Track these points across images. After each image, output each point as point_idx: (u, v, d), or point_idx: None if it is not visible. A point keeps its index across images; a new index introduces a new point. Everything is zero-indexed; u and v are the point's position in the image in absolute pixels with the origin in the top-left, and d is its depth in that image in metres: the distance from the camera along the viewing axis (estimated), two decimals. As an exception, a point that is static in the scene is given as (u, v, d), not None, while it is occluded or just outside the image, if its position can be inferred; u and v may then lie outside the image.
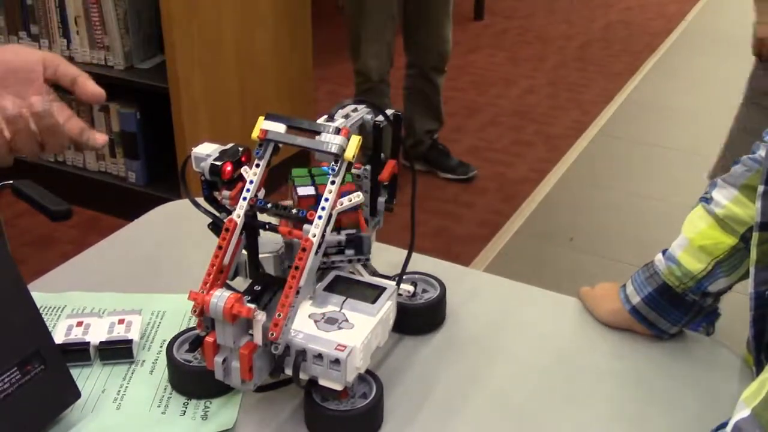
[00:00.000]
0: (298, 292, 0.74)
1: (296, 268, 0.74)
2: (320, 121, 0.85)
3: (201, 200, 0.86)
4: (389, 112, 0.91)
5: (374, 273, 0.95)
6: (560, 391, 0.87)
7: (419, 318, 0.94)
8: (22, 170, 1.04)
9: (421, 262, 1.05)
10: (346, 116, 0.88)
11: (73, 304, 0.99)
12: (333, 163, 0.78)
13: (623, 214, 2.73)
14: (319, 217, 0.76)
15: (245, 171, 0.82)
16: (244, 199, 0.80)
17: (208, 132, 2.58)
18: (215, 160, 0.85)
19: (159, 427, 0.81)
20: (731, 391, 0.87)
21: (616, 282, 0.98)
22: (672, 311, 0.92)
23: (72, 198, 2.86)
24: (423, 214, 2.81)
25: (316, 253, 0.76)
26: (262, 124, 0.81)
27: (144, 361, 0.90)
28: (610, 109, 3.80)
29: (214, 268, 0.76)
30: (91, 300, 1.00)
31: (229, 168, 0.85)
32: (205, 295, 0.72)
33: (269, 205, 0.79)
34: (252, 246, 0.82)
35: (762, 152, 0.85)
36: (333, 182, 0.77)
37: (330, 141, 0.78)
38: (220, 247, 0.77)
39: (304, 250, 0.74)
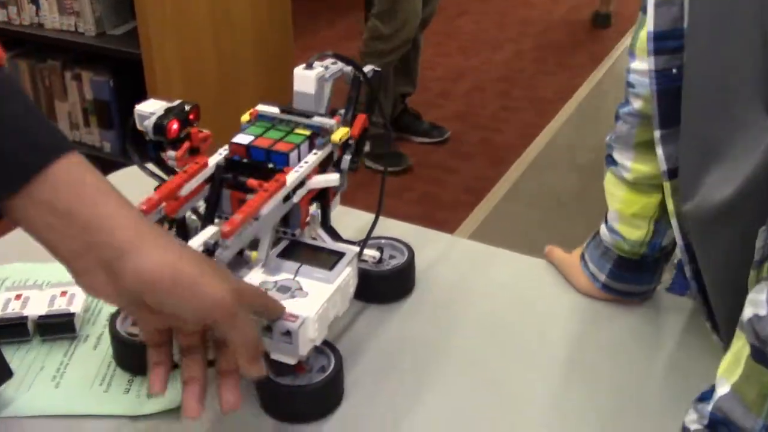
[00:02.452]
0: (256, 218, 0.68)
1: (265, 189, 0.69)
2: (298, 69, 0.81)
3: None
4: (368, 68, 0.85)
5: (338, 239, 0.88)
6: (536, 360, 0.81)
7: (385, 285, 0.88)
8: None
9: (389, 227, 0.98)
10: (326, 67, 0.83)
11: (15, 276, 0.92)
12: (320, 137, 0.76)
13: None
14: (296, 171, 0.70)
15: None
16: (220, 154, 0.74)
17: (182, 97, 2.50)
18: (160, 117, 0.78)
19: (100, 405, 0.75)
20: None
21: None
22: (640, 277, 0.86)
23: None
24: (407, 180, 2.75)
25: (285, 200, 0.70)
26: (257, 106, 0.83)
27: (88, 336, 0.84)
28: (599, 72, 3.72)
29: (164, 192, 0.69)
30: (34, 272, 0.93)
31: (175, 126, 0.78)
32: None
33: (245, 161, 0.73)
34: (212, 200, 0.75)
35: (636, 104, 0.78)
36: (316, 153, 0.72)
37: (322, 121, 0.79)
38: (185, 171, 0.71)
39: (276, 180, 0.69)
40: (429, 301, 0.89)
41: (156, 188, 0.71)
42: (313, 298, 0.71)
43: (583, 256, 0.89)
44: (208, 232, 0.69)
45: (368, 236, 0.85)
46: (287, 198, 0.73)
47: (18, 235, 1.06)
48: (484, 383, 0.78)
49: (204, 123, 0.82)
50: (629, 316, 0.87)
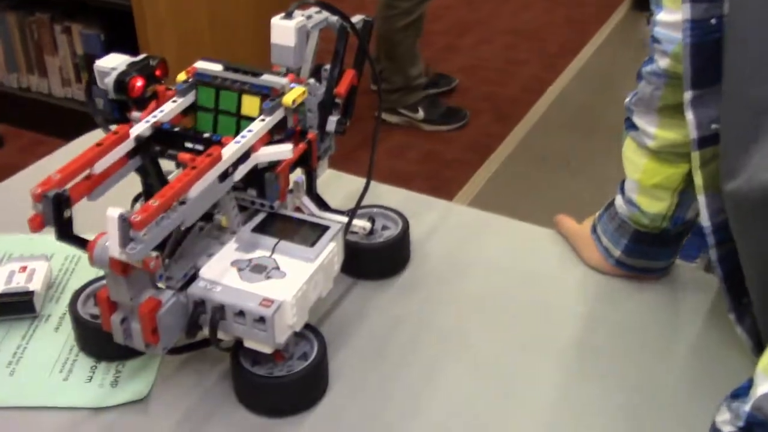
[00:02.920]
0: (181, 203, 0.58)
1: (193, 167, 0.59)
2: (275, 18, 0.72)
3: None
4: (357, 18, 0.76)
5: (325, 208, 0.80)
6: (542, 344, 0.73)
7: (376, 259, 0.80)
8: None
9: (383, 194, 0.90)
10: (308, 17, 0.73)
11: (-26, 248, 0.85)
12: (269, 100, 0.64)
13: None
14: (236, 143, 0.61)
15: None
16: (147, 122, 0.64)
17: (176, 53, 2.40)
18: (121, 74, 0.70)
19: (57, 396, 0.67)
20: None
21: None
22: (658, 252, 0.78)
23: (39, 126, 2.70)
24: (409, 137, 2.65)
25: (222, 179, 0.61)
26: (196, 64, 0.72)
27: (49, 315, 0.76)
28: (609, 25, 3.59)
29: (67, 172, 0.59)
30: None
31: (138, 83, 0.70)
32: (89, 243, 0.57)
33: (176, 129, 0.64)
34: (150, 173, 0.66)
35: (662, 62, 0.68)
36: (263, 120, 0.63)
37: (271, 80, 0.69)
38: (99, 144, 0.62)
39: (209, 155, 0.59)
40: (425, 276, 0.81)
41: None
42: (291, 279, 0.63)
43: (594, 229, 0.81)
44: (113, 221, 0.54)
45: (357, 205, 0.77)
46: (225, 176, 0.62)
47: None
48: (484, 370, 0.71)
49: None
50: (645, 293, 0.79)
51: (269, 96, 0.68)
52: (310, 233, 0.68)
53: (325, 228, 0.69)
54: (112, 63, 0.71)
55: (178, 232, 0.61)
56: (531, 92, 2.98)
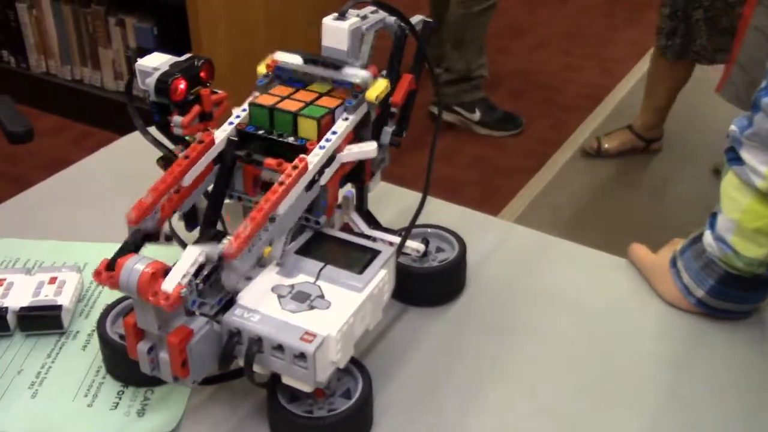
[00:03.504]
0: (272, 220, 0.54)
1: (281, 183, 0.54)
2: (327, 19, 0.66)
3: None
4: (416, 18, 0.69)
5: (376, 226, 0.74)
6: (613, 388, 0.66)
7: (430, 285, 0.73)
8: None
9: (437, 210, 0.83)
10: (363, 17, 0.67)
11: (4, 254, 0.80)
12: (351, 97, 0.60)
13: (686, 142, 2.46)
14: (321, 147, 0.55)
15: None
16: (231, 123, 0.60)
17: (228, 49, 2.36)
18: (164, 74, 0.64)
19: (80, 424, 0.62)
20: None
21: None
22: (749, 296, 0.70)
23: (91, 118, 2.69)
24: (461, 143, 2.57)
25: (309, 188, 0.56)
26: (275, 55, 0.68)
27: (78, 332, 0.71)
28: (674, 30, 3.45)
29: (171, 175, 0.56)
30: (26, 249, 0.81)
31: (181, 86, 0.64)
32: (105, 268, 0.51)
33: (261, 132, 0.59)
34: (220, 185, 0.61)
35: None
36: (346, 119, 0.57)
37: (353, 73, 0.63)
38: (186, 156, 0.57)
39: (295, 167, 0.54)
40: (482, 305, 0.74)
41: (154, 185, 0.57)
42: (336, 310, 0.57)
43: (674, 263, 0.73)
44: (203, 250, 0.53)
45: (411, 225, 0.70)
46: (312, 183, 0.59)
47: (14, 204, 0.95)
48: (545, 415, 0.63)
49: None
50: (729, 334, 0.71)
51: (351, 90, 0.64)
52: (359, 258, 0.62)
53: (376, 252, 0.62)
54: (155, 62, 0.65)
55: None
56: (589, 99, 2.88)
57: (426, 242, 0.74)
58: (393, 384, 0.66)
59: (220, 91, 0.66)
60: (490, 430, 0.62)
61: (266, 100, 0.63)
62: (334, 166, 0.61)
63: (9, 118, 1.01)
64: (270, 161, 0.58)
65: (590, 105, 2.83)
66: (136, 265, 0.51)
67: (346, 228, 0.74)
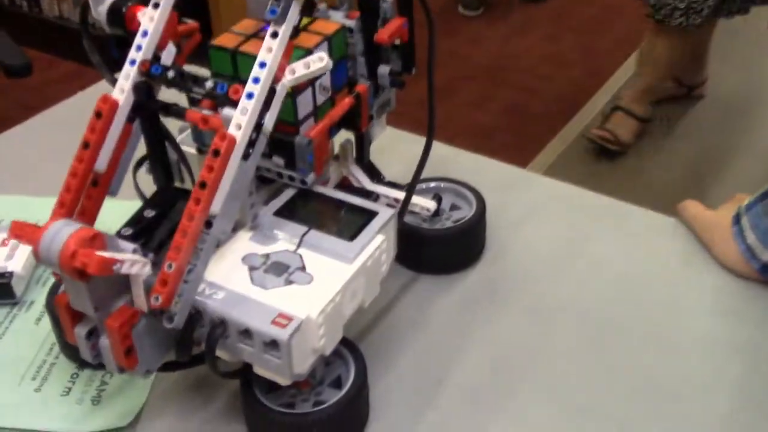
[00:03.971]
0: (208, 225, 0.43)
1: (202, 184, 0.42)
2: None
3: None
4: None
5: (379, 180, 0.63)
6: (661, 376, 0.55)
7: (442, 250, 0.62)
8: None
9: (455, 162, 0.72)
10: None
11: (-41, 211, 0.71)
12: (273, 1, 0.44)
13: (728, 92, 2.29)
14: (249, 96, 0.43)
15: (141, 15, 0.49)
16: (132, 62, 0.47)
17: None
18: (117, 1, 0.53)
19: (21, 413, 0.53)
20: None
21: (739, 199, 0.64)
22: None
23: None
24: (492, 88, 2.43)
25: (246, 157, 0.44)
26: None
27: (32, 303, 0.62)
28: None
29: (75, 178, 0.45)
30: (-16, 206, 0.71)
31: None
32: (35, 228, 0.41)
33: (171, 74, 0.46)
34: (153, 139, 0.50)
35: None
36: (275, 35, 0.44)
37: None
38: (86, 144, 0.45)
39: (216, 153, 0.42)
40: (503, 274, 0.63)
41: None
42: (320, 286, 0.46)
43: (737, 220, 0.61)
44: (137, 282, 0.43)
45: (416, 178, 0.59)
46: (251, 146, 0.44)
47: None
48: (575, 410, 0.52)
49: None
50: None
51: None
52: (351, 221, 0.51)
53: (372, 214, 0.51)
54: (109, -14, 0.54)
55: (171, 220, 0.45)
56: (628, 43, 2.71)
57: (438, 199, 0.63)
58: (394, 371, 0.55)
59: (190, 21, 0.55)
60: (508, 429, 0.51)
61: (228, 40, 0.51)
62: (278, 101, 0.45)
63: (6, 52, 0.94)
64: (193, 115, 0.46)
65: (628, 50, 2.66)
66: (62, 230, 0.40)
67: (345, 183, 0.63)
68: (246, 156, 0.44)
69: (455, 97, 2.26)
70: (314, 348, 0.45)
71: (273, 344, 0.44)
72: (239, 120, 0.43)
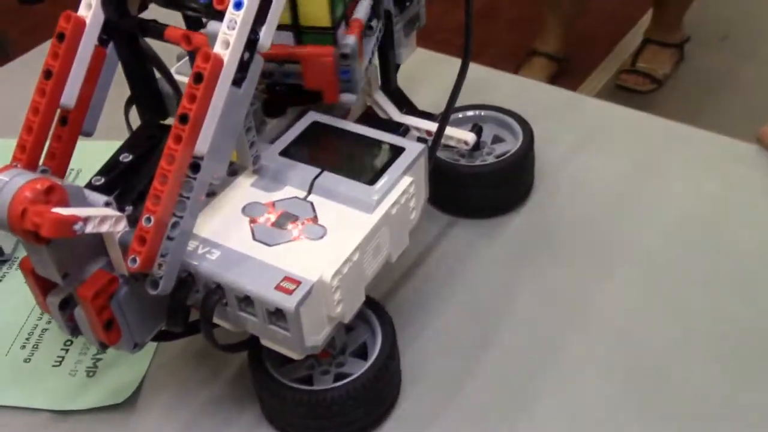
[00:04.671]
0: (195, 169, 0.35)
1: (182, 118, 0.34)
2: None
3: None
4: None
5: (409, 109, 0.54)
6: (738, 332, 0.46)
7: (482, 191, 0.54)
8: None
9: (498, 86, 0.63)
10: None
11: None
12: None
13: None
14: (237, 5, 0.35)
15: None
16: None
17: None
18: None
19: (9, 388, 0.47)
20: None
21: None
22: None
23: None
24: (537, 6, 2.29)
25: (237, 83, 0.36)
26: None
27: (23, 260, 0.55)
28: None
29: (37, 114, 0.37)
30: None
31: None
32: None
33: None
34: (132, 66, 0.41)
35: None
36: None
37: None
38: (48, 73, 0.37)
39: (199, 79, 0.34)
40: (555, 217, 0.54)
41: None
42: (335, 240, 0.38)
43: None
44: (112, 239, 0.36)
45: (450, 105, 0.50)
46: (243, 68, 0.36)
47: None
48: (645, 375, 0.44)
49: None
50: None
51: None
52: (372, 159, 0.42)
53: (398, 151, 0.43)
54: None
55: (154, 165, 0.37)
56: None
57: (478, 130, 0.54)
58: (428, 334, 0.47)
59: None
60: (558, 403, 0.44)
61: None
62: (279, 5, 0.36)
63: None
64: (173, 32, 0.37)
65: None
66: (13, 179, 0.32)
67: (369, 113, 0.54)
68: (237, 82, 0.35)
69: (498, 17, 2.12)
70: (330, 315, 0.38)
71: (278, 313, 0.36)
72: (226, 36, 0.34)
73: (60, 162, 0.38)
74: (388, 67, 0.53)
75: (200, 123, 0.34)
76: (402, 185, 0.41)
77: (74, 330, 0.39)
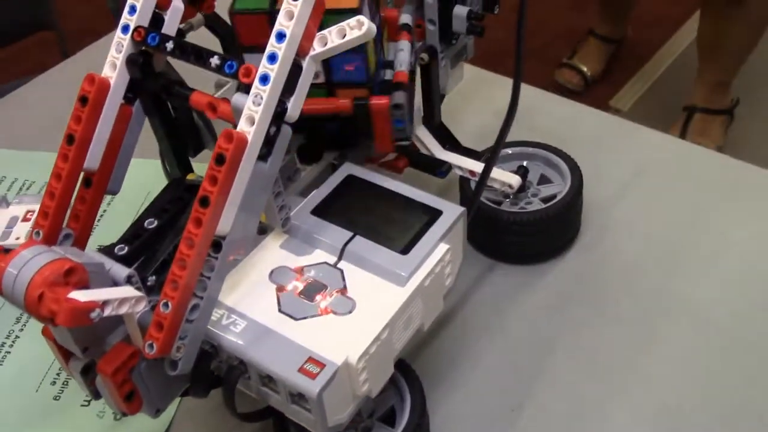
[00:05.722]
0: (217, 248, 0.34)
1: (203, 201, 0.32)
2: None
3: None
4: None
5: (454, 146, 0.52)
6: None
7: (525, 237, 0.51)
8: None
9: (542, 111, 0.60)
10: None
11: (-12, 171, 0.64)
12: None
13: None
14: (264, 79, 0.33)
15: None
16: (125, 29, 0.37)
17: None
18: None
19: (38, 425, 0.47)
20: None
21: None
22: None
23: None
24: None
25: (264, 158, 0.34)
26: None
27: (57, 287, 0.55)
28: None
29: (60, 181, 0.36)
30: (17, 164, 0.64)
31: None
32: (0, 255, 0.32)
33: (169, 46, 0.36)
34: (162, 123, 0.40)
35: None
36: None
37: None
38: (70, 138, 0.36)
39: (221, 160, 0.32)
40: (602, 265, 0.52)
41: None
42: (363, 316, 0.37)
43: None
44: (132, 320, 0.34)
45: (497, 149, 0.47)
46: (269, 143, 0.34)
47: (12, 101, 0.77)
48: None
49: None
50: None
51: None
52: (407, 223, 0.40)
53: (435, 214, 0.40)
54: None
55: (180, 231, 0.36)
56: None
57: (524, 173, 0.51)
58: (459, 393, 0.45)
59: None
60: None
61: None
62: (308, 77, 0.34)
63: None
64: (199, 98, 0.35)
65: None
66: (33, 259, 0.32)
67: (412, 149, 0.52)
68: (263, 156, 0.34)
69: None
70: (355, 395, 0.36)
71: (301, 395, 0.35)
72: (251, 112, 0.33)
73: (84, 224, 0.37)
74: (432, 101, 0.51)
75: (222, 206, 0.32)
76: (437, 254, 0.39)
77: (96, 394, 0.38)
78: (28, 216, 0.56)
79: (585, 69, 1.64)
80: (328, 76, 0.41)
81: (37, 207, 0.56)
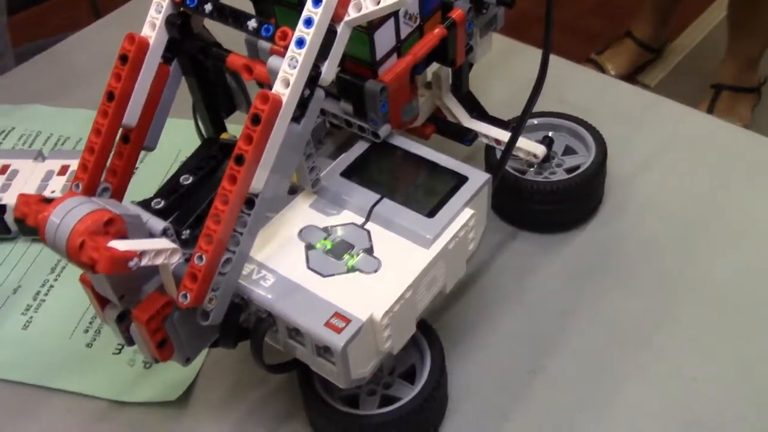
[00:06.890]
0: (250, 204, 0.35)
1: (238, 159, 0.33)
2: None
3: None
4: None
5: (481, 115, 0.53)
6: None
7: (548, 206, 0.52)
8: None
9: (569, 83, 0.60)
10: None
11: (26, 124, 0.66)
12: None
13: None
14: (299, 43, 0.34)
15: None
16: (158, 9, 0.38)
17: None
18: None
19: (71, 374, 0.48)
20: None
21: None
22: None
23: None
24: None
25: (297, 119, 0.35)
26: None
27: (91, 239, 0.56)
28: None
29: (99, 136, 0.37)
30: (53, 120, 0.66)
31: None
32: (42, 206, 0.34)
33: (208, 8, 0.37)
34: (198, 83, 0.41)
35: None
36: None
37: None
38: (110, 95, 0.37)
39: (257, 120, 0.33)
40: (623, 236, 0.52)
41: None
42: (388, 276, 0.38)
43: None
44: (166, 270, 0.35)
45: (523, 119, 0.48)
46: (303, 105, 0.35)
47: (48, 58, 0.79)
48: (709, 417, 0.43)
49: None
50: None
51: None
52: (434, 187, 0.41)
53: (461, 179, 0.41)
54: None
55: (214, 186, 0.37)
56: None
57: (549, 143, 0.52)
58: (478, 356, 0.47)
59: None
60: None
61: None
62: (342, 42, 0.35)
63: None
64: (235, 60, 0.37)
65: None
66: (74, 209, 0.33)
67: (439, 116, 0.53)
68: (297, 118, 0.35)
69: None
70: (378, 350, 0.38)
71: (327, 348, 0.36)
72: (287, 74, 0.34)
73: (121, 179, 0.38)
74: (459, 70, 0.52)
75: (256, 164, 0.33)
76: (462, 218, 0.40)
77: (130, 341, 0.40)
78: (63, 170, 0.58)
79: (609, 67, 1.58)
80: (422, 12, 0.43)
81: (71, 161, 0.58)
